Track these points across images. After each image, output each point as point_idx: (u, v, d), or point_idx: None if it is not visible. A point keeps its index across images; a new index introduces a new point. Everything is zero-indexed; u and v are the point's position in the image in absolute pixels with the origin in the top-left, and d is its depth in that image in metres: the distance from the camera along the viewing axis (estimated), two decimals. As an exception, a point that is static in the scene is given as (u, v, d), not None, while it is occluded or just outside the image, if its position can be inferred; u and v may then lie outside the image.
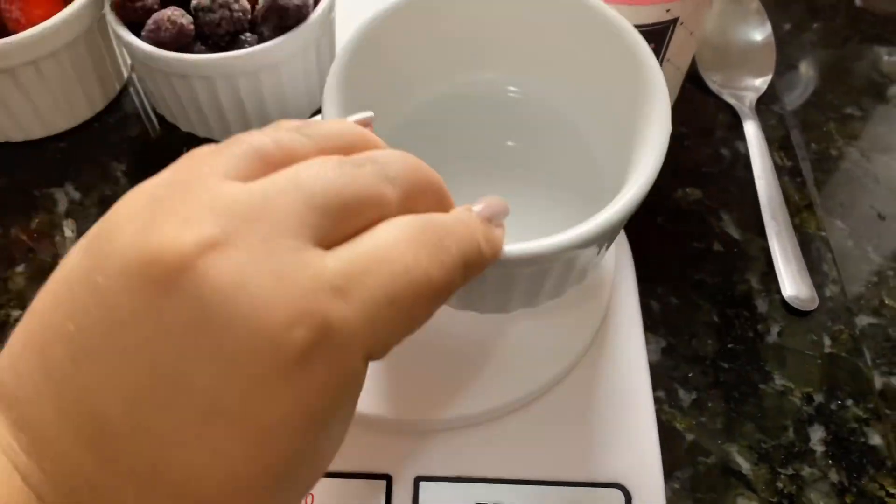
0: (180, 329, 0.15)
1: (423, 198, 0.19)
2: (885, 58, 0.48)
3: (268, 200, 0.16)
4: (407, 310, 0.17)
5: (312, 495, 0.26)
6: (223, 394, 0.15)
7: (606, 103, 0.27)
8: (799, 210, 0.39)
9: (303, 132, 0.18)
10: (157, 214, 0.16)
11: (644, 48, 0.26)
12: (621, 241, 0.33)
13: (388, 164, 0.18)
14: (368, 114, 0.22)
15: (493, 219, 0.21)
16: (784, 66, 0.47)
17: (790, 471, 0.31)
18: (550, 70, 0.29)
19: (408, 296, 0.16)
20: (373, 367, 0.27)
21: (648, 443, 0.29)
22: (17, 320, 0.34)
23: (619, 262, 0.31)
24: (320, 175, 0.17)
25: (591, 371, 0.30)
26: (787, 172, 0.41)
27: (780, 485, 0.31)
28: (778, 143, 0.42)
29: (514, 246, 0.21)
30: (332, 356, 0.15)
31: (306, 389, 0.15)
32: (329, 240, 0.16)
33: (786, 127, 0.43)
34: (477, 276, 0.19)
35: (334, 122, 0.20)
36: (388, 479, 0.26)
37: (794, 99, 0.46)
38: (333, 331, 0.15)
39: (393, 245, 0.17)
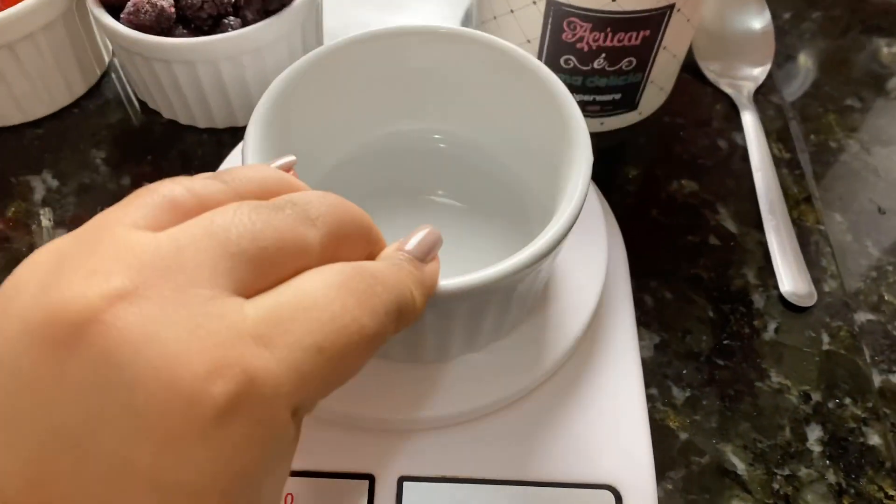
0: (85, 387, 0.13)
1: (349, 238, 0.18)
2: (885, 49, 0.47)
3: (180, 249, 0.15)
4: (337, 359, 0.15)
5: (292, 495, 0.25)
6: (133, 456, 0.13)
7: (529, 139, 0.27)
8: (797, 203, 0.38)
9: (220, 178, 0.17)
10: (62, 270, 0.15)
11: (557, 83, 0.26)
12: (614, 232, 0.32)
13: (309, 204, 0.17)
14: (290, 158, 0.21)
15: (429, 253, 0.20)
16: (783, 57, 0.46)
17: (786, 471, 0.30)
18: (474, 115, 0.29)
19: (337, 344, 0.15)
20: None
21: (640, 443, 0.28)
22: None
23: (611, 255, 0.29)
24: (235, 220, 0.16)
25: (580, 368, 0.29)
26: (785, 164, 0.40)
27: (776, 486, 0.30)
28: (776, 135, 0.41)
29: (448, 281, 0.21)
30: (255, 410, 0.14)
31: (228, 449, 0.14)
32: (250, 288, 0.15)
33: (784, 118, 0.42)
34: (412, 321, 0.18)
35: (253, 167, 0.19)
36: (370, 479, 0.25)
37: (793, 90, 0.45)
38: (256, 382, 0.14)
39: (320, 291, 0.16)
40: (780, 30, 0.47)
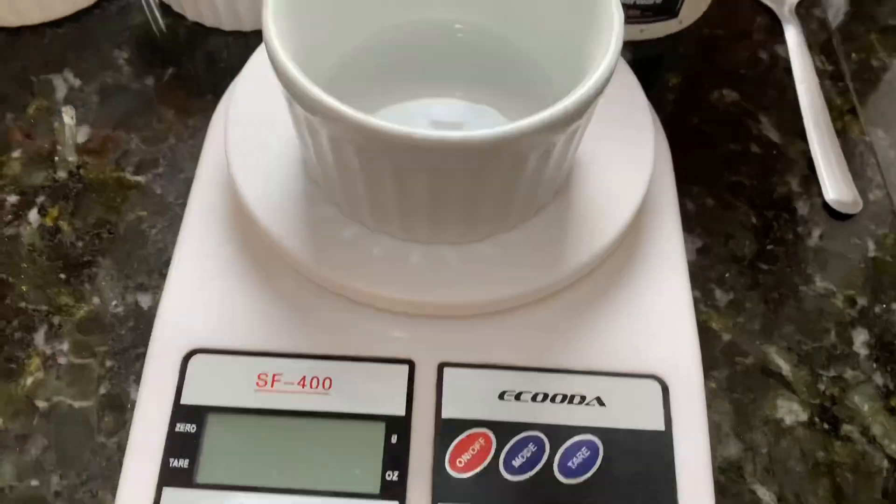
0: None
1: None
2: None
3: None
4: None
5: (330, 378, 0.24)
6: None
7: (556, 28, 0.26)
8: (842, 114, 0.37)
9: None
10: None
11: None
12: (659, 130, 0.31)
13: None
14: None
15: None
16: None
17: (832, 373, 0.30)
18: (494, 4, 0.28)
19: None
20: (394, 248, 0.25)
21: (687, 335, 0.27)
22: (13, 206, 0.32)
23: (657, 151, 0.28)
24: None
25: (626, 260, 0.28)
26: (828, 77, 0.39)
27: (821, 387, 0.29)
28: (818, 48, 0.40)
29: (477, 132, 0.20)
30: None
31: None
32: None
33: (828, 31, 0.40)
34: None
35: None
36: (410, 364, 0.25)
37: (834, 11, 0.44)
38: None
39: None
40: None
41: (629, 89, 0.30)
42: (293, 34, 0.24)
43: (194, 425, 0.24)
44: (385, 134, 0.20)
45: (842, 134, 0.36)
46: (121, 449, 0.27)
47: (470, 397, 0.24)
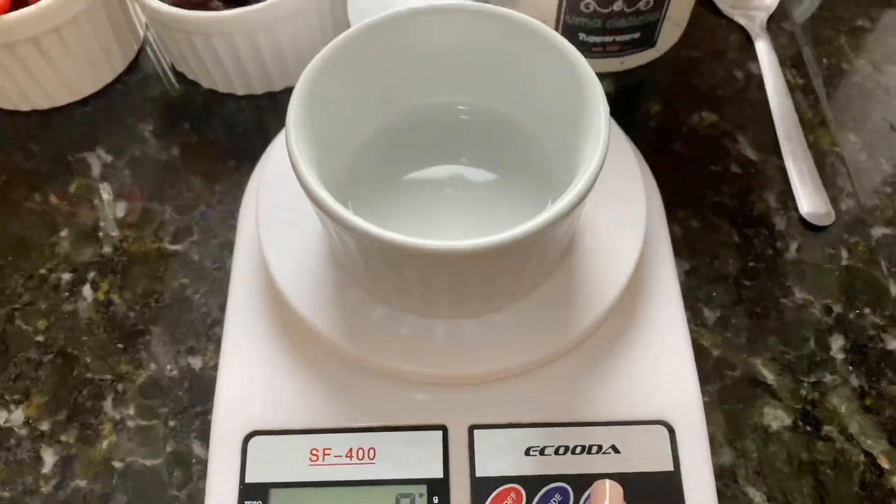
0: None
1: None
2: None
3: None
4: None
5: (374, 448, 0.28)
6: None
7: (549, 105, 0.29)
8: (813, 127, 0.40)
9: None
10: None
11: (571, 49, 0.27)
12: (649, 180, 0.34)
13: None
14: None
15: None
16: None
17: (812, 379, 0.33)
18: (496, 85, 0.31)
19: None
20: (420, 325, 0.29)
21: (689, 380, 0.30)
22: (68, 283, 0.36)
23: (649, 203, 0.32)
24: None
25: (628, 314, 0.31)
26: (800, 90, 0.41)
27: (803, 392, 0.33)
28: (790, 62, 0.42)
29: (481, 239, 0.24)
30: None
31: None
32: None
33: (797, 45, 0.43)
34: None
35: None
36: (444, 429, 0.28)
37: (802, 12, 0.46)
38: None
39: None
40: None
41: (616, 141, 0.33)
42: (313, 139, 0.27)
43: (260, 501, 0.28)
44: (409, 248, 0.24)
45: (813, 146, 0.39)
46: (191, 500, 0.31)
47: (499, 455, 0.28)
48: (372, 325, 0.30)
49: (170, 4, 0.37)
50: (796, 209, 0.37)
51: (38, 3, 0.36)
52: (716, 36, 0.44)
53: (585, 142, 0.27)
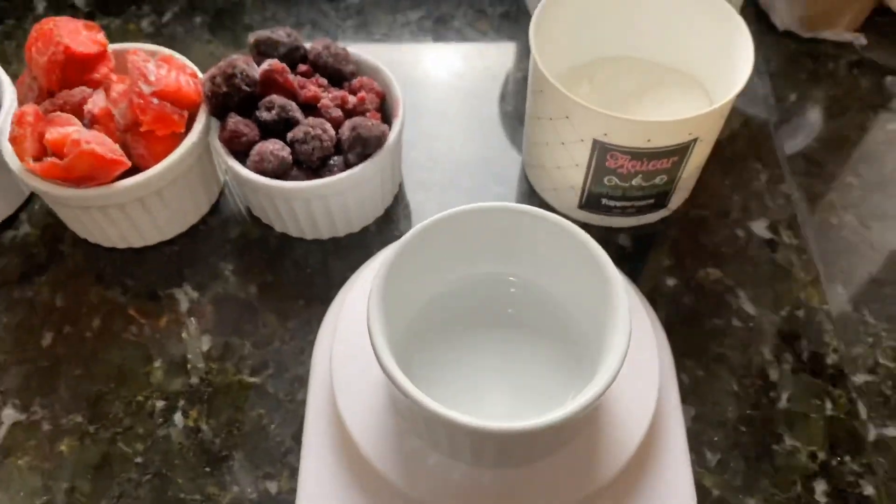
0: None
1: None
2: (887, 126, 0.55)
3: None
4: None
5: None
6: None
7: (581, 294, 0.36)
8: (805, 286, 0.46)
9: None
10: None
11: (606, 260, 0.34)
12: (662, 343, 0.40)
13: None
14: None
15: None
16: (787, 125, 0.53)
17: (799, 519, 0.39)
18: (538, 266, 0.38)
19: None
20: (469, 473, 0.35)
21: None
22: (162, 409, 0.42)
23: (662, 368, 0.38)
24: None
25: (642, 463, 0.37)
26: (794, 251, 0.48)
27: (790, 531, 0.39)
28: (786, 223, 0.49)
29: (506, 424, 0.29)
30: None
31: None
32: None
33: (793, 207, 0.49)
34: None
35: None
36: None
37: (795, 145, 0.53)
38: None
39: None
40: (788, 111, 0.54)
41: (632, 302, 0.40)
42: (385, 310, 0.33)
43: None
44: (465, 426, 0.30)
45: (805, 304, 0.46)
46: None
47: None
48: (428, 471, 0.35)
49: (256, 173, 0.43)
50: (788, 361, 0.43)
51: (147, 172, 0.43)
52: (721, 196, 0.50)
53: (611, 329, 0.33)
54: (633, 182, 0.44)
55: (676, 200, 0.48)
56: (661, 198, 0.46)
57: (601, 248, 0.34)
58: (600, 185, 0.45)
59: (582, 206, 0.47)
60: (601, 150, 0.42)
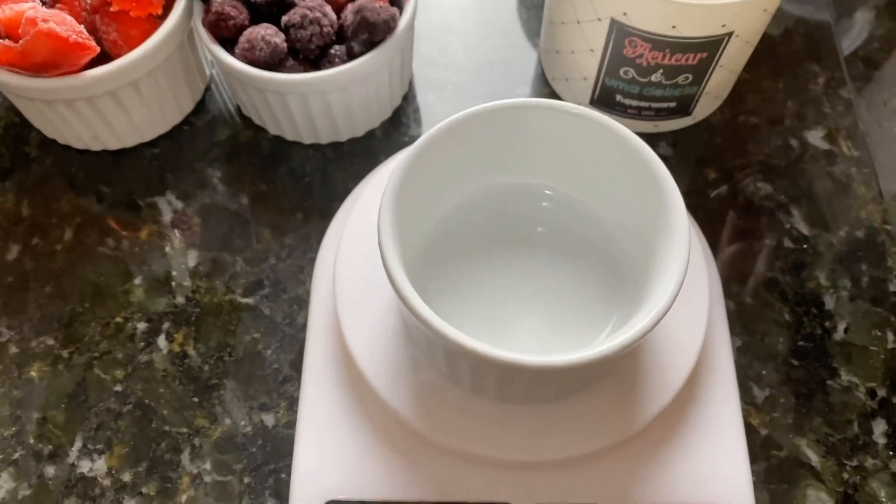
0: None
1: None
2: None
3: None
4: None
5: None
6: None
7: (630, 210, 0.31)
8: (865, 203, 0.41)
9: None
10: None
11: (664, 173, 0.29)
12: (713, 273, 0.36)
13: None
14: None
15: None
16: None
17: (854, 462, 0.35)
18: (579, 179, 0.32)
19: None
20: (492, 411, 0.30)
21: (742, 471, 0.32)
22: (144, 332, 0.37)
23: (711, 297, 0.33)
24: None
25: (686, 402, 0.33)
26: (854, 163, 0.42)
27: (845, 475, 0.35)
28: (846, 132, 0.43)
29: (545, 358, 0.25)
30: None
31: None
32: None
33: (853, 115, 0.44)
34: None
35: None
36: (508, 507, 0.30)
37: (850, 42, 0.47)
38: None
39: None
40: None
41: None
42: (399, 224, 0.28)
43: (339, 568, 0.30)
44: (494, 359, 0.25)
45: (865, 222, 0.41)
46: (267, 557, 0.33)
47: (561, 536, 0.30)
48: (445, 405, 0.31)
49: (246, 62, 0.37)
50: (846, 288, 0.39)
51: (119, 60, 0.37)
52: (772, 102, 0.44)
53: (663, 252, 0.28)
54: (653, 78, 0.38)
55: (703, 108, 0.42)
56: (683, 102, 0.41)
57: (658, 157, 0.29)
58: (615, 77, 0.39)
59: (594, 102, 0.42)
60: (619, 34, 0.37)
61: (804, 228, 0.40)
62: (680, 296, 0.32)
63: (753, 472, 0.34)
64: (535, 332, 0.32)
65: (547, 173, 0.33)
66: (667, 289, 0.26)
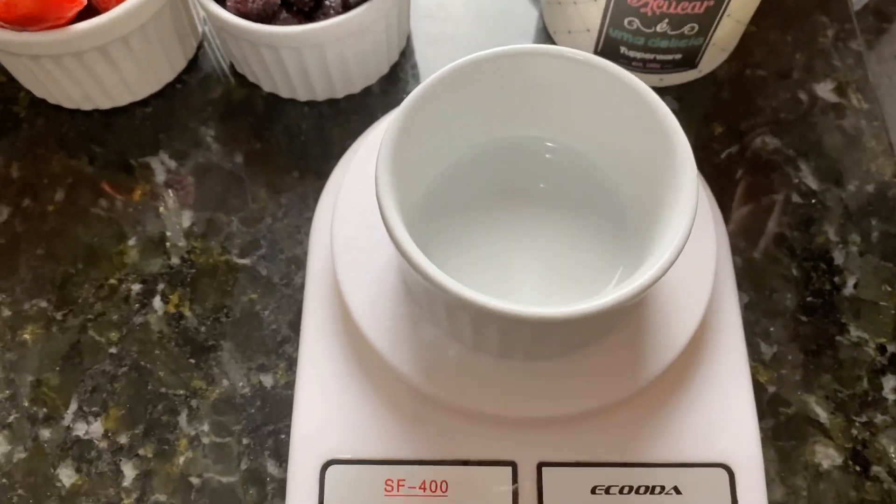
0: None
1: None
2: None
3: None
4: None
5: (446, 482, 0.29)
6: None
7: (636, 159, 0.30)
8: (875, 155, 0.40)
9: None
10: None
11: (673, 122, 0.27)
12: (720, 227, 0.35)
13: None
14: None
15: None
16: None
17: (864, 418, 0.34)
18: (584, 129, 0.31)
19: None
20: (495, 367, 0.30)
21: (750, 426, 0.31)
22: (138, 294, 0.37)
23: (719, 249, 0.32)
24: None
25: (692, 359, 0.32)
26: (864, 116, 0.41)
27: (854, 432, 0.34)
28: (856, 84, 0.42)
29: (554, 310, 0.24)
30: None
31: None
32: None
33: (864, 67, 0.43)
34: None
35: None
36: (513, 465, 0.30)
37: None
38: None
39: None
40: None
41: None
42: (398, 177, 0.27)
43: (339, 530, 0.29)
44: (495, 311, 0.24)
45: (875, 176, 0.40)
46: (267, 518, 0.33)
47: (566, 493, 0.29)
48: (447, 363, 0.30)
49: (238, 15, 0.36)
50: (855, 242, 0.38)
51: (108, 14, 0.36)
52: (780, 54, 0.43)
53: (670, 204, 0.27)
54: (658, 28, 0.37)
55: (710, 61, 0.41)
56: (689, 54, 0.39)
57: (667, 108, 0.28)
58: (619, 28, 0.38)
59: (597, 55, 0.40)
60: (626, -19, 0.35)
61: (813, 183, 0.39)
62: (686, 251, 0.31)
63: (761, 430, 0.34)
64: (538, 286, 0.31)
65: (549, 125, 0.32)
66: (674, 238, 0.25)
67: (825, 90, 0.42)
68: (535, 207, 0.32)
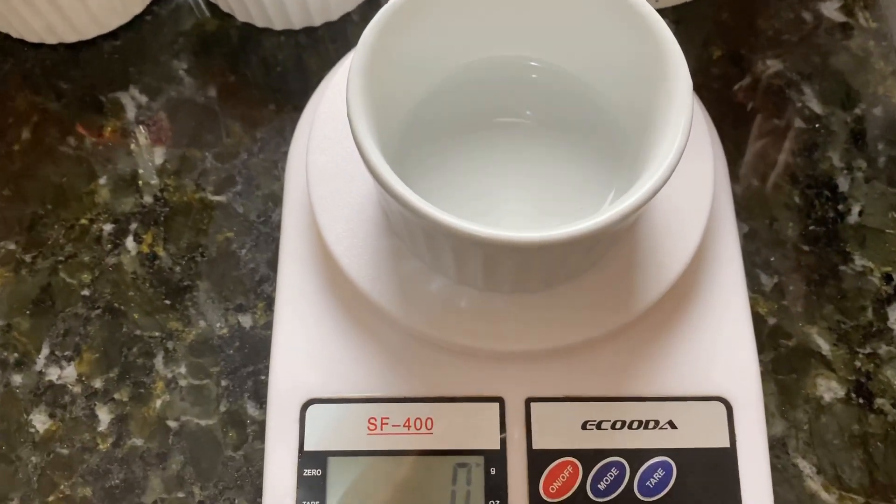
0: None
1: None
2: None
3: None
4: None
5: (431, 419, 0.28)
6: None
7: (628, 80, 0.27)
8: (884, 77, 0.38)
9: None
10: None
11: (664, 29, 0.25)
12: (718, 151, 0.33)
13: None
14: None
15: None
16: None
17: (868, 350, 0.33)
18: (569, 44, 0.29)
19: None
20: (479, 300, 0.28)
21: (748, 358, 0.30)
22: (110, 234, 0.35)
23: (716, 176, 0.30)
24: None
25: (688, 287, 0.30)
26: (872, 36, 0.39)
27: (857, 363, 0.33)
28: (863, 2, 0.40)
29: (545, 232, 0.23)
30: None
31: None
32: None
33: (872, -17, 0.40)
34: None
35: None
36: (500, 401, 0.28)
37: None
38: None
39: None
40: None
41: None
42: (373, 102, 0.25)
43: (318, 469, 0.28)
44: (477, 236, 0.23)
45: (883, 98, 0.38)
46: (247, 461, 0.32)
47: (556, 428, 0.28)
48: (429, 296, 0.29)
49: (205, -64, 0.34)
50: (861, 168, 0.36)
51: (64, -65, 0.33)
52: (785, -29, 0.41)
53: (663, 119, 0.25)
54: None
55: None
56: None
57: (658, 15, 0.26)
58: None
59: None
60: None
61: (817, 107, 0.37)
62: (682, 172, 0.29)
63: (760, 363, 0.32)
64: (525, 214, 0.29)
65: (534, 43, 0.30)
66: (668, 153, 0.23)
67: (831, 9, 0.40)
68: (522, 130, 0.31)
